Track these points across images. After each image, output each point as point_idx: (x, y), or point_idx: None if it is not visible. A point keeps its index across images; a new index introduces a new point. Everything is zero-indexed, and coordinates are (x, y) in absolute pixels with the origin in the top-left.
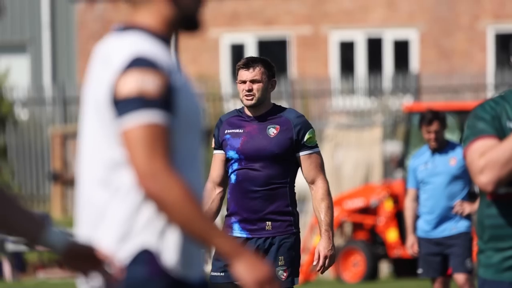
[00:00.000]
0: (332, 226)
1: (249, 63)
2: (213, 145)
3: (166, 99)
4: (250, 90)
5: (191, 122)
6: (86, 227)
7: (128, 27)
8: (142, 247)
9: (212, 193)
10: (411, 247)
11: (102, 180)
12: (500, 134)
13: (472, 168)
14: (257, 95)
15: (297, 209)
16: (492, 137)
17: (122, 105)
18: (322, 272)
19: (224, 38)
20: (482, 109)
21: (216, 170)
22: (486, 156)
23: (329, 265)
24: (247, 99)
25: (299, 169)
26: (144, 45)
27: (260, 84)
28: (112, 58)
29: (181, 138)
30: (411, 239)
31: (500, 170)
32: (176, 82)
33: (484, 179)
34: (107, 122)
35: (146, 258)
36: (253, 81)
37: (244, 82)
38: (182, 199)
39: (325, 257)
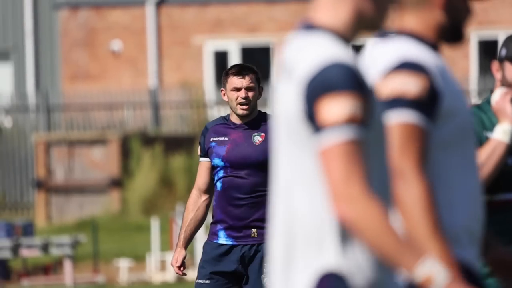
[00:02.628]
0: None
1: (242, 70)
2: (199, 153)
3: (427, 103)
4: (246, 98)
5: (464, 130)
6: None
7: (397, 32)
8: None
9: (198, 200)
10: None
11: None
12: (477, 144)
13: None
14: (251, 103)
15: None
16: None
17: (384, 105)
18: None
19: (208, 45)
20: None
21: (202, 177)
22: None
23: None
24: (242, 108)
25: None
26: (411, 49)
27: (254, 92)
28: (379, 62)
29: (455, 146)
30: None
31: None
32: (444, 89)
33: None
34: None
35: None
36: (248, 89)
37: (238, 89)
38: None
39: None
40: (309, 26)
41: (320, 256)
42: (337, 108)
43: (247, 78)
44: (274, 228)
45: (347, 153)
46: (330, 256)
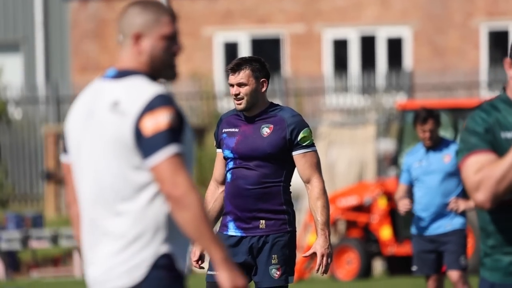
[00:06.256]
0: (329, 225)
1: (235, 67)
2: (214, 144)
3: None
4: (237, 95)
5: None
6: None
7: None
8: None
9: (215, 192)
10: (403, 206)
11: None
12: (495, 146)
13: (467, 184)
14: (245, 99)
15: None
16: (486, 151)
17: None
18: (324, 272)
19: (218, 37)
20: (474, 122)
21: (218, 169)
22: (481, 173)
23: (327, 263)
24: (237, 104)
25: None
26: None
27: (248, 87)
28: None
29: None
30: (403, 201)
31: (496, 187)
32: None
33: (481, 196)
34: None
35: None
36: (240, 85)
37: (232, 85)
38: None
39: (322, 256)
40: None
41: None
42: None
43: (237, 74)
44: None
45: None
46: None
